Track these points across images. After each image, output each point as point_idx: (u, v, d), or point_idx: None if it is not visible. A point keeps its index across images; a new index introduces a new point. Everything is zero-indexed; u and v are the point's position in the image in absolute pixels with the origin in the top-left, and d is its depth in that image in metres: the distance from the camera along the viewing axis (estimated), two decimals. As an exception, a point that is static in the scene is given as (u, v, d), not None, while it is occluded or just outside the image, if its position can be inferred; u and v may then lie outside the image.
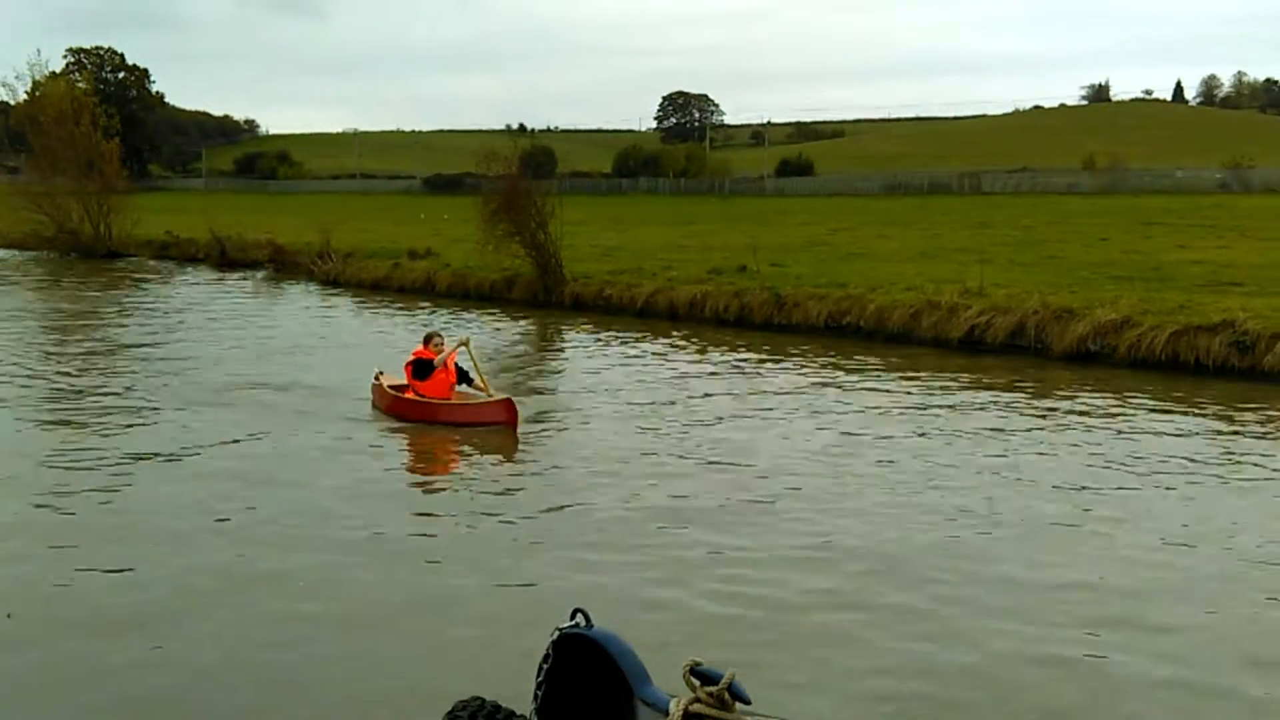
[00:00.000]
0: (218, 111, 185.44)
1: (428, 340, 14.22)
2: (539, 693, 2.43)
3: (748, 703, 2.07)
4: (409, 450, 12.41)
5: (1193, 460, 11.18)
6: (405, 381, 14.03)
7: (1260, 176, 71.70)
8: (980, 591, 7.57)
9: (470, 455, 11.81)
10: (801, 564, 8.17)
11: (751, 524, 9.13)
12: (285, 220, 50.00)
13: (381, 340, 20.87)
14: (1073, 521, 9.13)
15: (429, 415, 13.34)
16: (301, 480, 10.57)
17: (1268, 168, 77.18)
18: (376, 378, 14.52)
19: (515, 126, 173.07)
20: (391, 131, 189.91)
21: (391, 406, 13.71)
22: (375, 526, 9.09)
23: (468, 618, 7.15)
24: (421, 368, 13.78)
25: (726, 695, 2.08)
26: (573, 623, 2.41)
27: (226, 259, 40.30)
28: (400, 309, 26.29)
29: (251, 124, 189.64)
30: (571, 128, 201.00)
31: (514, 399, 12.96)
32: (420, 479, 11.39)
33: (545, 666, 2.44)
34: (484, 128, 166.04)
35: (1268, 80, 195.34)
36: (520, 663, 2.77)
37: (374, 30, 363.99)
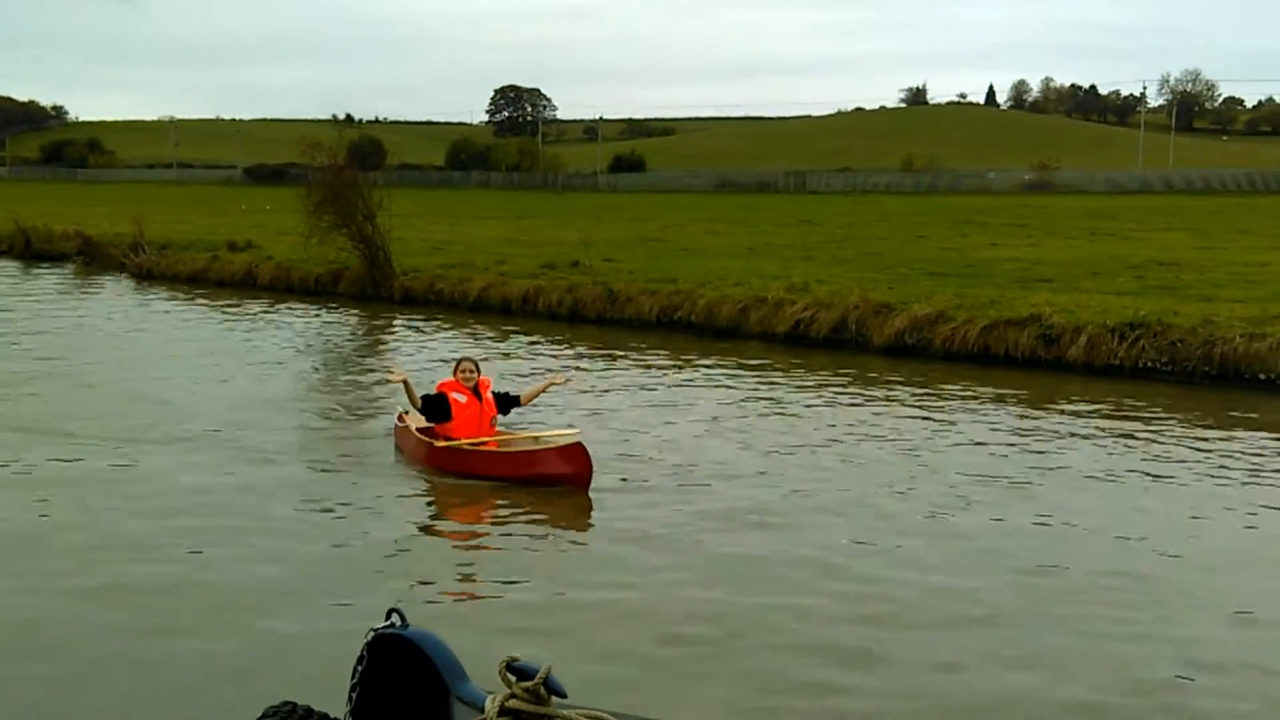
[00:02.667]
0: (21, 97, 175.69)
1: (457, 366, 10.99)
2: (354, 694, 2.37)
3: (563, 696, 2.06)
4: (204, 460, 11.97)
5: (996, 445, 11.70)
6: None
7: (1066, 178, 75.78)
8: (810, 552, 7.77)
9: (278, 458, 11.46)
10: (632, 540, 8.23)
11: (582, 512, 9.16)
12: (96, 211, 47.72)
13: (218, 344, 20.08)
14: (887, 497, 9.45)
15: (466, 466, 10.23)
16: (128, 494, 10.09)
17: (1073, 170, 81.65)
18: (400, 418, 11.41)
19: (342, 116, 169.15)
20: (211, 120, 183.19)
21: (429, 458, 10.48)
22: (184, 535, 8.74)
23: (280, 622, 6.95)
24: (435, 406, 10.61)
25: (542, 689, 2.06)
26: (388, 623, 2.35)
27: (32, 251, 38.23)
28: (228, 306, 25.35)
29: (59, 110, 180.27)
30: (401, 119, 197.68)
31: (584, 443, 9.75)
32: (242, 482, 10.98)
33: (360, 668, 2.37)
34: (309, 117, 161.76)
35: (1073, 86, 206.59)
36: (336, 666, 2.69)
37: (193, 16, 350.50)
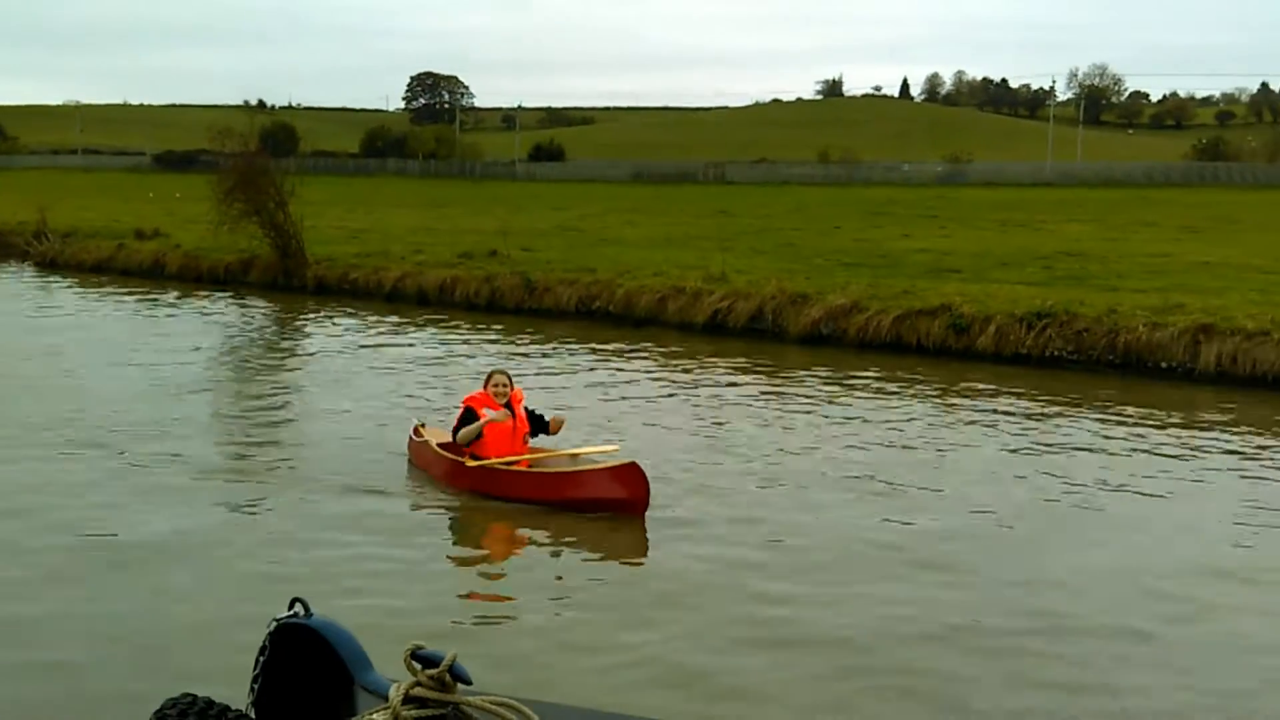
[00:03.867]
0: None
1: (488, 380, 9.95)
2: (255, 685, 2.32)
3: (469, 683, 2.05)
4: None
5: (904, 431, 11.91)
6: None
7: (977, 170, 77.20)
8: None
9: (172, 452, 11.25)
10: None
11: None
12: (-2, 197, 46.19)
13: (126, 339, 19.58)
14: (798, 472, 9.58)
15: (504, 488, 9.40)
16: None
17: (984, 162, 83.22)
18: (417, 431, 10.56)
19: (254, 103, 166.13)
20: (119, 105, 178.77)
21: (458, 478, 9.67)
22: (82, 523, 8.54)
23: (180, 613, 6.84)
24: (465, 424, 9.67)
25: (447, 677, 2.05)
26: (291, 612, 2.31)
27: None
28: (135, 295, 24.75)
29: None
30: (316, 105, 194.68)
31: (639, 463, 8.92)
32: (152, 478, 10.74)
33: (262, 659, 2.33)
34: (221, 103, 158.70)
35: (985, 79, 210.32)
36: (238, 657, 2.65)
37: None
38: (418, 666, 2.12)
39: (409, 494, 9.72)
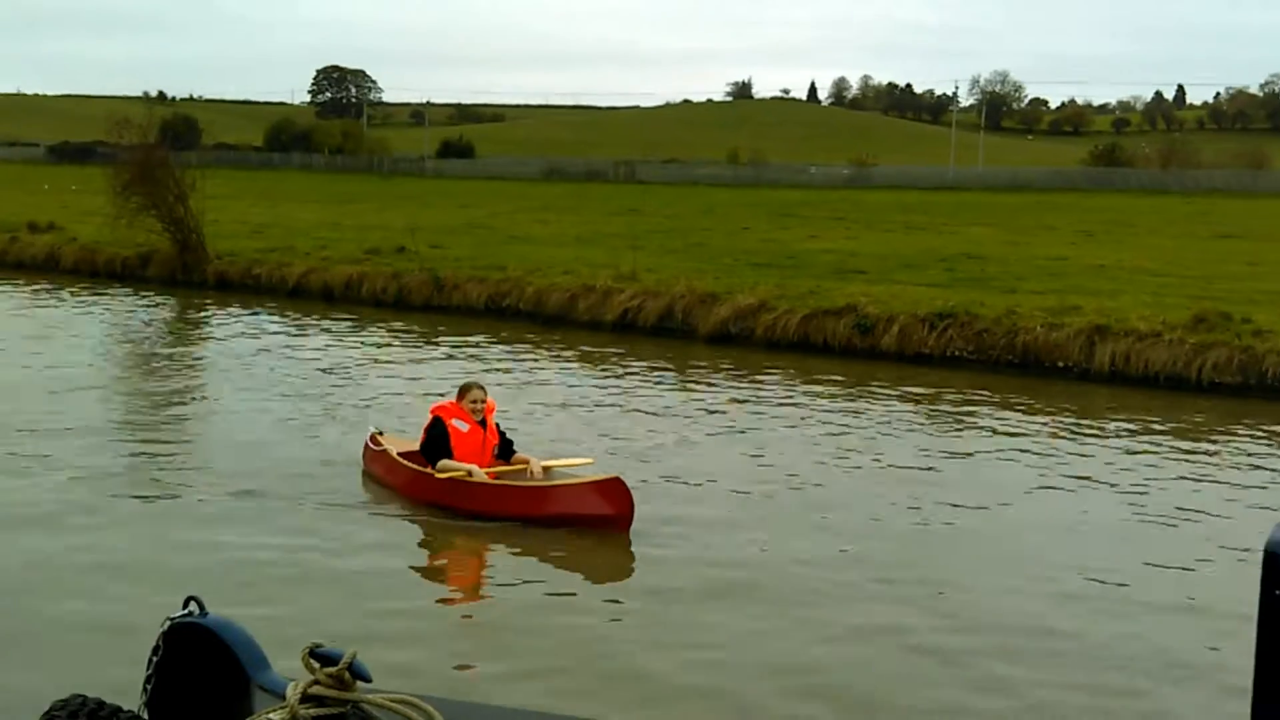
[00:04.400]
0: None
1: (462, 393, 9.52)
2: (148, 686, 2.27)
3: (369, 680, 2.02)
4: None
5: (810, 429, 12.07)
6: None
7: (882, 174, 78.42)
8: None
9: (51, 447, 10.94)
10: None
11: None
12: (-120, 188, 44.38)
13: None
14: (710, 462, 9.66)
15: (478, 503, 8.95)
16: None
17: (889, 165, 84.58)
18: (374, 440, 10.01)
19: (155, 94, 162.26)
20: (11, 95, 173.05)
21: (412, 487, 9.27)
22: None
23: (69, 615, 6.66)
24: (435, 440, 9.27)
25: (347, 675, 2.02)
26: (185, 611, 2.26)
27: None
28: (28, 289, 23.95)
29: None
30: (218, 98, 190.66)
31: (622, 477, 8.62)
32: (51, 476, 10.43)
33: (155, 659, 2.27)
34: (120, 94, 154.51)
35: (890, 84, 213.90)
36: (130, 658, 2.58)
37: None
38: (316, 665, 2.09)
39: (331, 500, 9.52)
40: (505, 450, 9.47)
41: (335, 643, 2.07)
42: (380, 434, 10.12)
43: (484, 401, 9.40)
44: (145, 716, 2.25)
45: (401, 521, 9.01)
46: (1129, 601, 7.46)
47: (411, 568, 8.23)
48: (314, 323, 19.69)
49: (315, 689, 2.05)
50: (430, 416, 9.44)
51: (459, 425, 9.25)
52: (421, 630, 6.85)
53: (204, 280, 24.35)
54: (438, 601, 7.70)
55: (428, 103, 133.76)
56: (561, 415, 12.68)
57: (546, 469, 9.30)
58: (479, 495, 8.95)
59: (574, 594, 7.57)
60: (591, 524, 8.43)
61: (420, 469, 9.26)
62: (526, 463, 9.31)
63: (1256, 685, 0.84)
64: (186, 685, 2.22)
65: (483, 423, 9.33)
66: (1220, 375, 14.52)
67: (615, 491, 8.39)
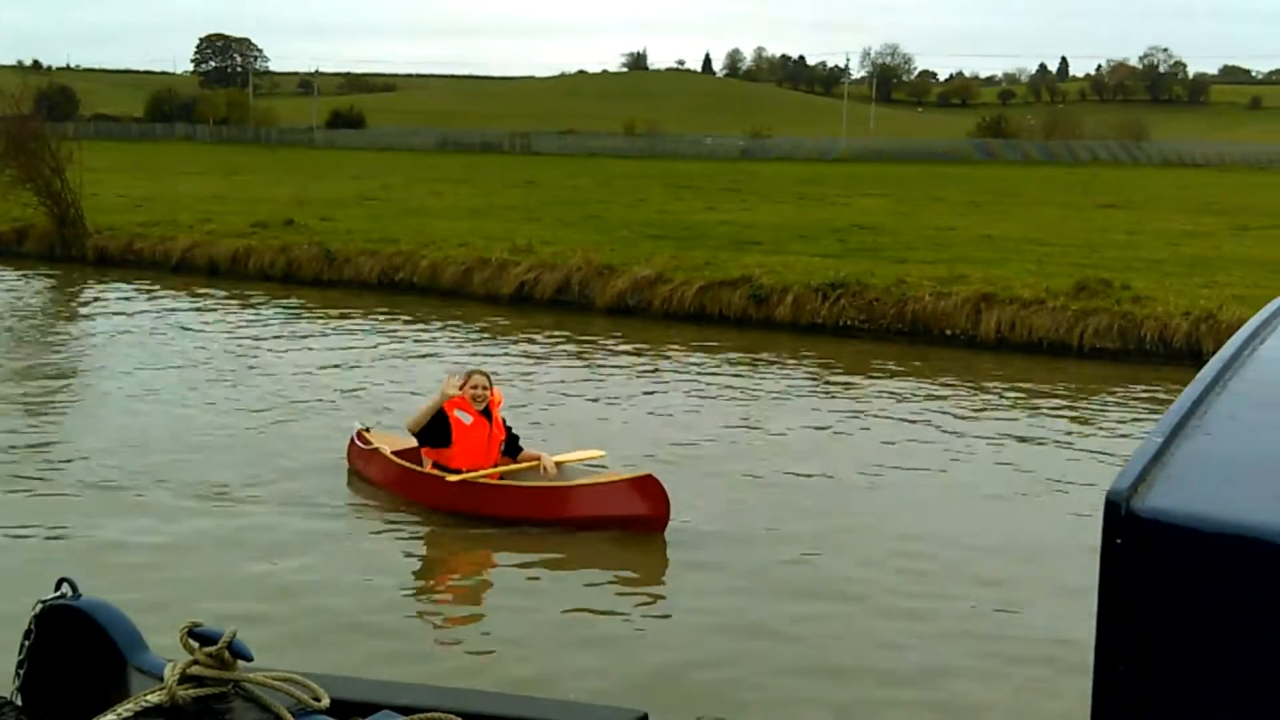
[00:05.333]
0: None
1: (464, 381, 8.67)
2: (21, 670, 2.21)
3: (250, 659, 1.99)
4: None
5: (708, 398, 12.19)
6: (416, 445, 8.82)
7: (777, 145, 79.13)
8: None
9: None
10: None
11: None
12: None
13: None
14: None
15: (496, 506, 8.24)
16: None
17: (783, 137, 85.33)
18: (360, 436, 9.26)
19: (29, 63, 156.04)
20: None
21: (432, 494, 8.46)
22: None
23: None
24: (435, 428, 8.47)
25: (226, 654, 1.98)
26: (58, 593, 2.20)
27: None
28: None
29: None
30: (96, 67, 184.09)
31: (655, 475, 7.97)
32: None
33: (27, 643, 2.21)
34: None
35: (784, 56, 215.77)
36: (6, 643, 2.51)
37: None
38: (195, 644, 2.05)
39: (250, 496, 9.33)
40: (512, 447, 8.68)
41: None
42: (368, 430, 9.30)
43: (487, 390, 8.57)
44: (18, 702, 2.19)
45: (398, 526, 8.29)
46: (996, 562, 7.69)
47: (402, 574, 7.67)
48: (199, 298, 19.18)
49: (194, 669, 2.02)
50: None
51: (462, 417, 8.43)
52: (440, 657, 6.32)
53: (83, 255, 23.55)
54: (452, 620, 6.97)
55: (316, 72, 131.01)
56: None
57: (559, 465, 8.57)
58: (495, 497, 8.24)
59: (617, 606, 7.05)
60: (626, 525, 7.83)
61: (425, 471, 8.50)
62: (537, 459, 8.53)
63: (1099, 635, 0.88)
64: (61, 669, 2.16)
65: (487, 414, 8.53)
66: (1101, 341, 15.02)
67: (650, 489, 7.81)
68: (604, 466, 8.77)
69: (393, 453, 8.78)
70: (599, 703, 2.63)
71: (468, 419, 8.43)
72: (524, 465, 8.54)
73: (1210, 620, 0.84)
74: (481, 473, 8.32)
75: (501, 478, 8.42)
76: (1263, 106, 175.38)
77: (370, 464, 9.00)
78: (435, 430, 8.42)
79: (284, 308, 18.31)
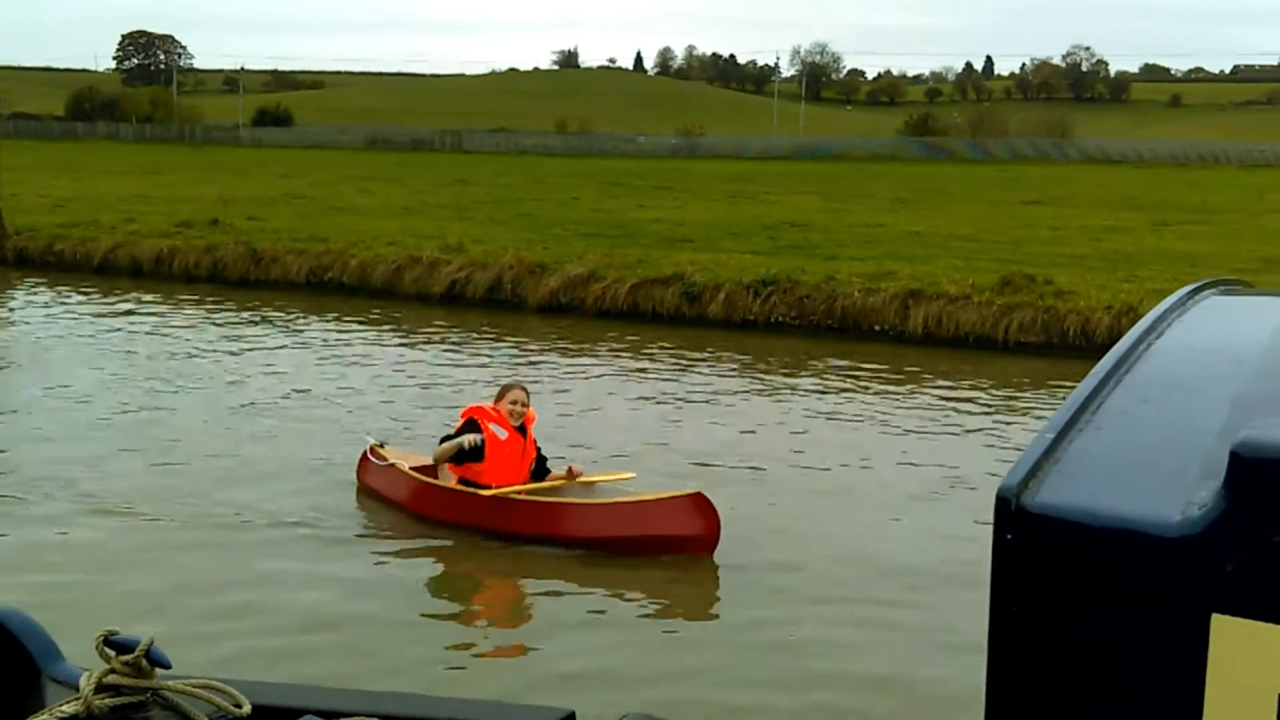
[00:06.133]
0: None
1: (503, 394, 8.28)
2: (-72, 682, 2.16)
3: (167, 667, 1.96)
4: None
5: (642, 400, 12.22)
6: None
7: (709, 143, 79.42)
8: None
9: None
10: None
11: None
12: None
13: None
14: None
15: (526, 524, 7.80)
16: None
17: (715, 135, 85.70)
18: (373, 451, 8.77)
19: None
20: None
21: (445, 508, 8.11)
22: None
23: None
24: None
25: (144, 662, 1.95)
26: (-34, 604, 2.15)
27: None
28: None
29: None
30: (13, 64, 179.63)
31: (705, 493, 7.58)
32: None
33: (-63, 654, 2.16)
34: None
35: (715, 54, 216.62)
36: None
37: None
38: (111, 653, 2.02)
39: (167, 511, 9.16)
40: (540, 468, 8.28)
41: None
42: (381, 445, 8.81)
43: (525, 406, 8.14)
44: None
45: (401, 545, 7.93)
46: (907, 562, 7.81)
47: (427, 600, 7.32)
48: (121, 300, 18.82)
49: (111, 678, 1.98)
50: (461, 419, 8.21)
51: (497, 431, 7.99)
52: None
53: (3, 257, 22.99)
54: (490, 650, 6.60)
55: (242, 69, 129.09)
56: (389, 392, 12.47)
57: (588, 485, 8.21)
58: (534, 514, 7.77)
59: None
60: (674, 547, 7.42)
61: (454, 488, 8.09)
62: (570, 478, 8.17)
63: (991, 629, 0.90)
64: (-29, 681, 2.12)
65: (522, 431, 8.12)
66: (1025, 335, 15.29)
67: (699, 508, 7.42)
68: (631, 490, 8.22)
69: (411, 468, 8.34)
70: (525, 702, 2.63)
71: (503, 434, 8.03)
72: (554, 483, 8.18)
73: (1099, 613, 0.87)
74: (516, 488, 7.95)
75: (527, 495, 8.02)
76: (1182, 104, 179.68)
77: (387, 481, 8.48)
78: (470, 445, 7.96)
79: (210, 309, 18.03)
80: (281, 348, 14.92)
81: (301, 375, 13.15)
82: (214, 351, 14.56)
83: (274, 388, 12.39)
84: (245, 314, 17.58)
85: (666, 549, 7.40)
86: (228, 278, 20.82)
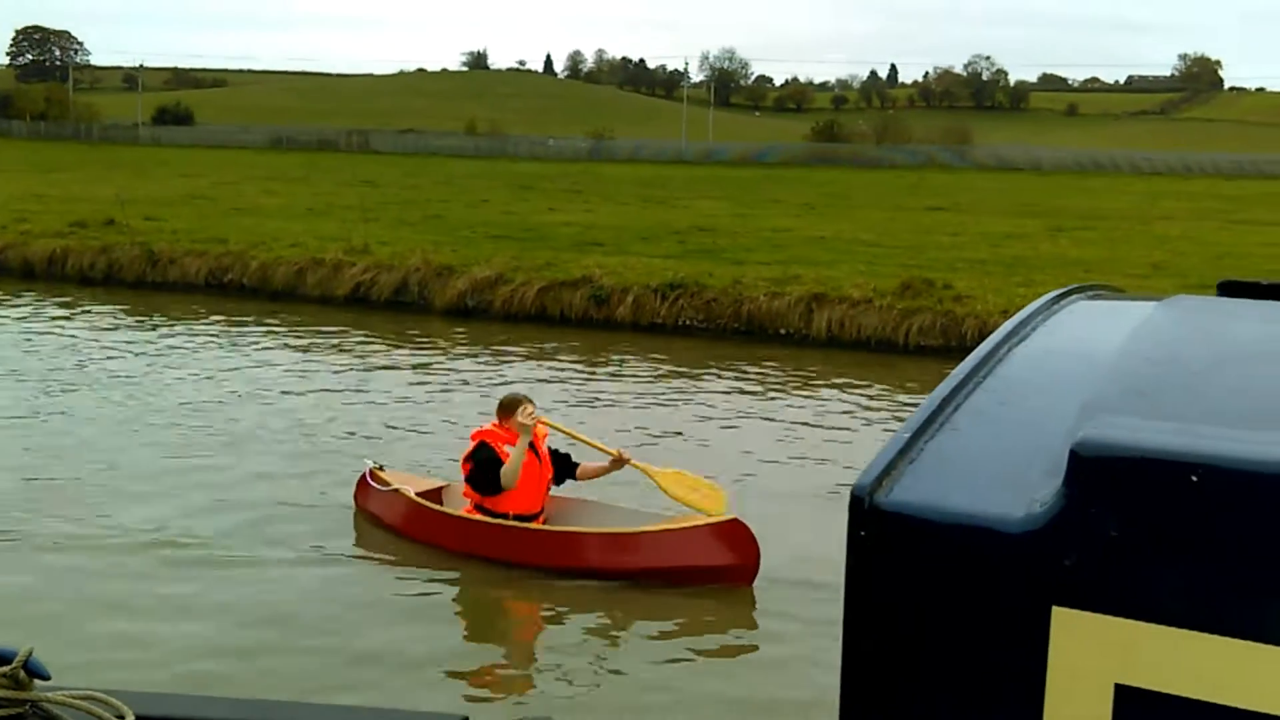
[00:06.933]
0: None
1: (509, 409, 7.60)
2: None
3: (47, 678, 1.92)
4: None
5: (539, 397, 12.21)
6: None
7: (619, 147, 79.57)
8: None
9: None
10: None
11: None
12: None
13: None
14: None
15: (546, 554, 7.36)
16: None
17: (625, 139, 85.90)
18: (374, 475, 8.26)
19: None
20: None
21: (458, 536, 7.63)
22: None
23: None
24: (486, 469, 7.46)
25: (22, 674, 1.91)
26: None
27: None
28: None
29: None
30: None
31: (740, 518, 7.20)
32: None
33: None
34: None
35: (624, 58, 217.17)
36: None
37: None
38: (-13, 666, 1.97)
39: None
40: (564, 472, 7.80)
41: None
42: (381, 469, 8.34)
43: (532, 424, 7.48)
44: None
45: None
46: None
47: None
48: (11, 303, 18.23)
49: (-14, 692, 1.93)
50: (472, 443, 7.59)
51: (511, 451, 7.46)
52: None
53: (-115, 258, 22.13)
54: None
55: (141, 66, 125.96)
56: (286, 399, 12.27)
57: (610, 508, 7.79)
58: (564, 545, 7.33)
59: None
60: (709, 577, 7.01)
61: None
62: (618, 464, 7.69)
63: (845, 625, 0.93)
64: None
65: (534, 449, 7.57)
66: (925, 338, 15.59)
67: (736, 535, 7.02)
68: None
69: (417, 495, 7.87)
70: (418, 709, 2.62)
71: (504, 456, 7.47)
72: (602, 465, 7.73)
73: (947, 608, 0.90)
74: (532, 520, 7.56)
75: (544, 520, 7.61)
76: (1079, 113, 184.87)
77: (389, 507, 7.98)
78: (486, 469, 7.42)
79: (104, 311, 17.56)
80: (176, 350, 14.59)
81: (194, 380, 12.87)
82: (106, 356, 14.18)
83: (165, 393, 12.11)
84: (139, 317, 17.16)
85: (699, 580, 7.00)
86: (124, 279, 20.31)
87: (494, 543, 7.39)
